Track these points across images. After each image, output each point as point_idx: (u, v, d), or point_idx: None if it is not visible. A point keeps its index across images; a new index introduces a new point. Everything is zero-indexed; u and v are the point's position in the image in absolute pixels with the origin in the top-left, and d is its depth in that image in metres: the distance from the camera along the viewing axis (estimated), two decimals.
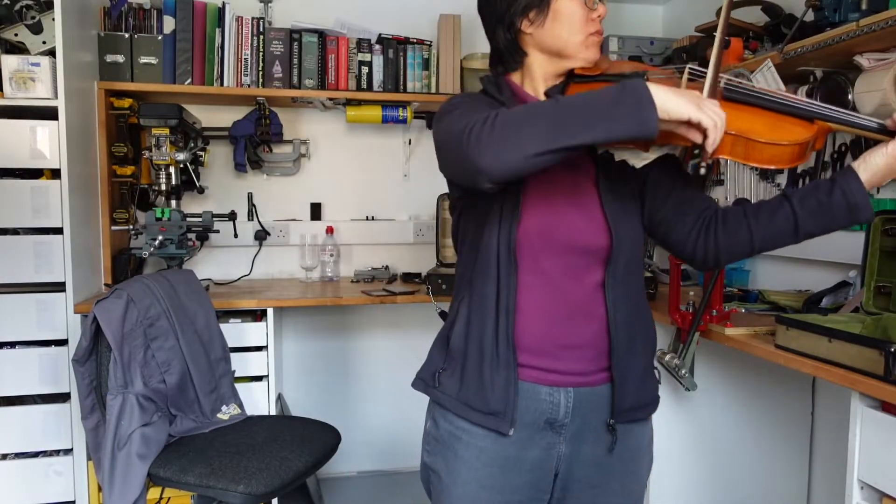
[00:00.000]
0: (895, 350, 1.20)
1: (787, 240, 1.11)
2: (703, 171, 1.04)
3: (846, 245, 1.94)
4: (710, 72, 1.09)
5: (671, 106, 0.94)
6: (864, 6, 1.69)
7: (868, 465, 1.28)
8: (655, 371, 1.27)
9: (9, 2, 2.16)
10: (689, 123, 0.96)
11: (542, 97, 1.19)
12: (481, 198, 1.15)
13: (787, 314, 1.67)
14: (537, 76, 1.20)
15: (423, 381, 1.25)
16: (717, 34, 1.10)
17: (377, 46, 2.72)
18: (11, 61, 2.10)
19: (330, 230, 2.86)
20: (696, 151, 1.11)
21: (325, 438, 1.95)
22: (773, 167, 1.10)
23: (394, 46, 2.73)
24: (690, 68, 1.18)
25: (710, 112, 0.95)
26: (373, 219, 2.98)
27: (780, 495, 2.10)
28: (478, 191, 1.03)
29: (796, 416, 2.09)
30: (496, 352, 1.14)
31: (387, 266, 2.92)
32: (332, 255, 2.83)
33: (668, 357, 1.76)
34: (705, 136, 0.97)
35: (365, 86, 2.72)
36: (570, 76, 1.19)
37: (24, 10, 2.18)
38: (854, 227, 1.92)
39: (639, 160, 1.15)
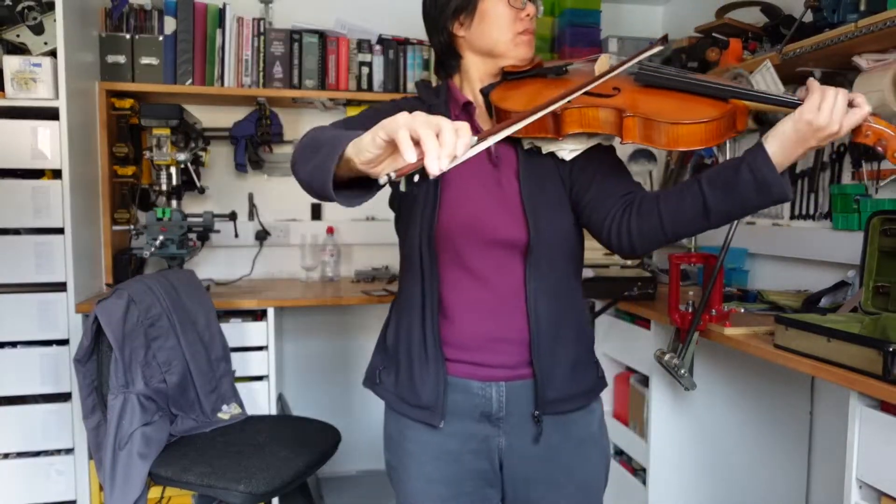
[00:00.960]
0: (894, 350, 1.21)
1: (698, 222, 1.07)
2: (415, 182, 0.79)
3: (845, 245, 1.94)
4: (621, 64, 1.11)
5: (361, 145, 0.83)
6: (862, 7, 1.70)
7: (867, 464, 1.29)
8: (596, 361, 1.29)
9: (10, 3, 2.17)
10: (393, 146, 0.80)
11: (479, 96, 1.24)
12: (403, 197, 1.23)
13: (786, 314, 1.67)
14: (474, 77, 1.25)
15: (369, 379, 1.32)
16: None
17: (377, 47, 2.73)
18: (13, 62, 2.11)
19: (330, 230, 2.86)
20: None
21: (325, 438, 1.96)
22: (687, 148, 1.07)
23: (394, 47, 2.74)
24: (610, 55, 1.22)
25: (418, 127, 0.76)
26: (373, 219, 2.99)
27: (779, 495, 2.10)
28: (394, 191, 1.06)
29: (795, 416, 2.10)
30: (424, 349, 1.19)
31: (387, 266, 2.92)
32: (332, 255, 2.83)
33: (667, 357, 1.77)
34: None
35: (365, 86, 2.72)
36: (504, 74, 1.24)
37: (26, 10, 2.18)
38: (850, 225, 1.93)
39: (566, 152, 1.19)
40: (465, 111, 1.24)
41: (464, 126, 0.77)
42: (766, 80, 1.93)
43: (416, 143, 0.76)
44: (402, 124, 0.77)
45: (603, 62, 1.22)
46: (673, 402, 1.99)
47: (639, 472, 2.14)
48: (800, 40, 1.83)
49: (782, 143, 1.00)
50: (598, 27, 2.77)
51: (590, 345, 1.30)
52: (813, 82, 1.00)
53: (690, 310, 1.73)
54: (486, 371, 1.19)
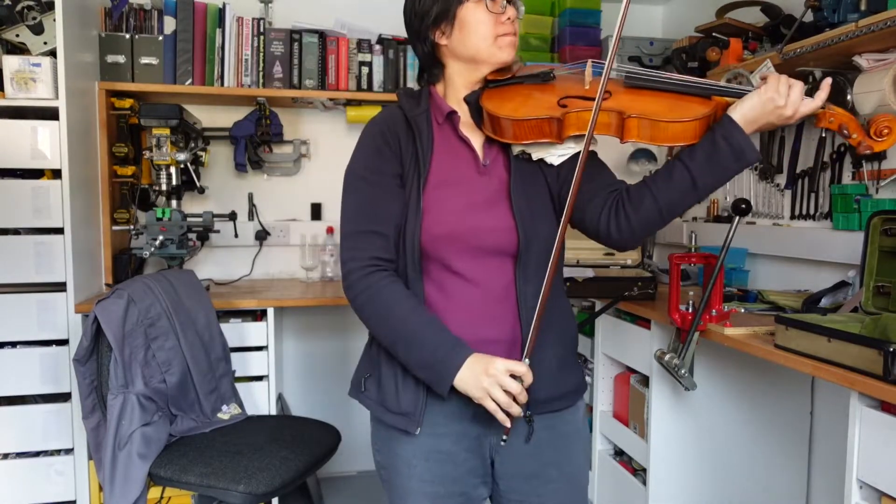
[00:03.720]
0: (894, 350, 1.21)
1: (688, 197, 1.16)
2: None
3: (845, 245, 1.94)
4: (606, 64, 1.14)
5: (463, 387, 1.12)
6: (863, 7, 1.70)
7: (867, 464, 1.29)
8: (580, 360, 1.32)
9: (10, 2, 2.17)
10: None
11: (463, 104, 1.25)
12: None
13: (787, 314, 1.67)
14: (458, 85, 1.25)
15: (355, 387, 1.32)
16: (615, 32, 1.13)
17: (377, 47, 2.73)
18: (13, 62, 2.11)
19: (330, 230, 2.86)
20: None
21: (325, 438, 1.96)
22: (680, 144, 1.16)
23: (394, 47, 2.74)
24: (593, 62, 1.24)
25: (497, 395, 1.09)
26: None
27: (779, 495, 2.10)
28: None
29: (795, 416, 2.09)
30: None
31: None
32: (332, 255, 2.83)
33: (667, 357, 1.77)
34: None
35: (365, 86, 2.72)
36: (486, 83, 1.25)
37: (26, 10, 2.18)
38: (848, 223, 1.93)
39: (555, 157, 1.22)
40: (448, 120, 1.24)
41: (519, 368, 1.11)
42: None
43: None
44: (484, 396, 1.11)
45: (588, 68, 1.25)
46: (673, 403, 1.99)
47: (639, 472, 2.14)
48: (800, 40, 1.83)
49: (745, 115, 1.12)
50: (599, 27, 2.77)
51: (575, 345, 1.34)
52: (773, 73, 1.14)
53: (691, 310, 1.73)
54: None
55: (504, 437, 1.14)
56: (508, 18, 1.20)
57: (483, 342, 1.18)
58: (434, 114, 1.25)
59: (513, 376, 1.10)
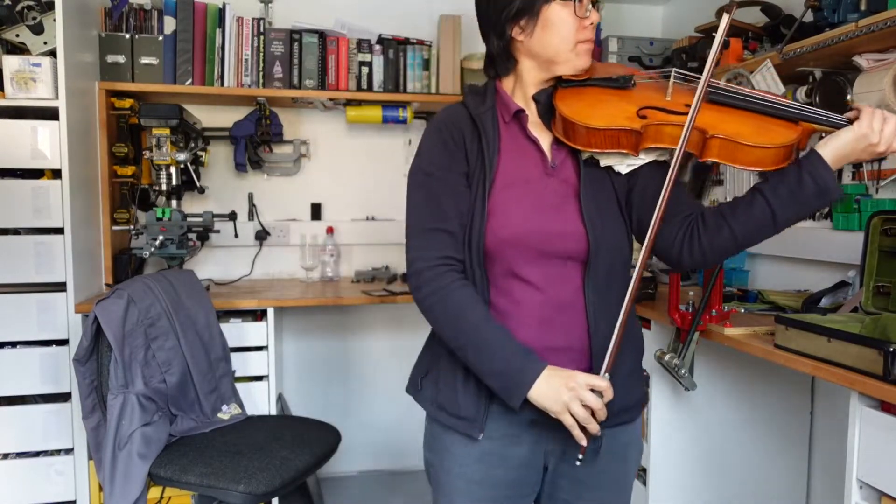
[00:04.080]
0: (894, 350, 1.21)
1: (766, 231, 1.14)
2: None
3: (845, 245, 1.94)
4: (700, 84, 1.10)
5: (540, 400, 1.09)
6: (862, 7, 1.70)
7: (867, 464, 1.29)
8: (644, 372, 1.29)
9: (10, 2, 2.17)
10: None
11: (531, 103, 1.21)
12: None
13: (787, 314, 1.67)
14: (528, 82, 1.21)
15: (413, 384, 1.31)
16: (711, 54, 1.11)
17: (377, 47, 2.73)
18: (13, 62, 2.11)
19: (330, 230, 2.86)
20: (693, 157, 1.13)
21: (325, 438, 1.96)
22: (758, 169, 1.12)
23: (394, 47, 2.74)
24: (676, 72, 1.20)
25: (577, 410, 1.06)
26: (373, 219, 2.98)
27: (779, 495, 2.10)
28: None
29: (795, 416, 2.09)
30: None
31: (387, 266, 2.92)
32: (332, 255, 2.83)
33: (667, 357, 1.77)
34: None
35: (365, 86, 2.72)
36: (559, 81, 1.20)
37: (26, 10, 2.18)
38: (842, 220, 1.93)
39: (624, 166, 1.17)
40: (515, 119, 1.20)
41: (601, 383, 1.07)
42: (766, 80, 1.93)
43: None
44: (562, 411, 1.07)
45: (672, 79, 1.20)
46: (673, 402, 1.99)
47: (639, 472, 2.13)
48: (800, 40, 1.83)
49: (835, 152, 1.08)
50: (599, 27, 2.77)
51: (642, 356, 1.30)
52: (866, 107, 1.09)
53: (691, 310, 1.73)
54: None
55: (580, 458, 1.09)
56: (591, 23, 1.15)
57: (549, 350, 1.15)
58: (500, 111, 1.21)
59: (592, 391, 1.07)
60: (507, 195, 1.15)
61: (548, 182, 1.17)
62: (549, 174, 1.18)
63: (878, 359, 1.23)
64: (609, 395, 1.07)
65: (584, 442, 1.07)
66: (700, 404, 2.01)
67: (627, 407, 1.23)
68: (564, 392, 1.07)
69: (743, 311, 1.88)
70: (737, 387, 2.03)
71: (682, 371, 1.74)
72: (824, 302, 1.86)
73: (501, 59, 1.21)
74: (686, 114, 1.12)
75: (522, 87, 1.21)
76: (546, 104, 1.20)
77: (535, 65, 1.19)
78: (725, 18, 1.12)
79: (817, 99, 1.92)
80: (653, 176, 1.19)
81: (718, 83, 1.18)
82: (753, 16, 2.22)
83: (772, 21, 2.13)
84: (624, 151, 1.14)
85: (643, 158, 1.17)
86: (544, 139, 1.20)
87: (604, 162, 1.18)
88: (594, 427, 1.07)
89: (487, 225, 1.14)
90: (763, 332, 1.63)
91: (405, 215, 1.21)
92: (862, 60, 1.75)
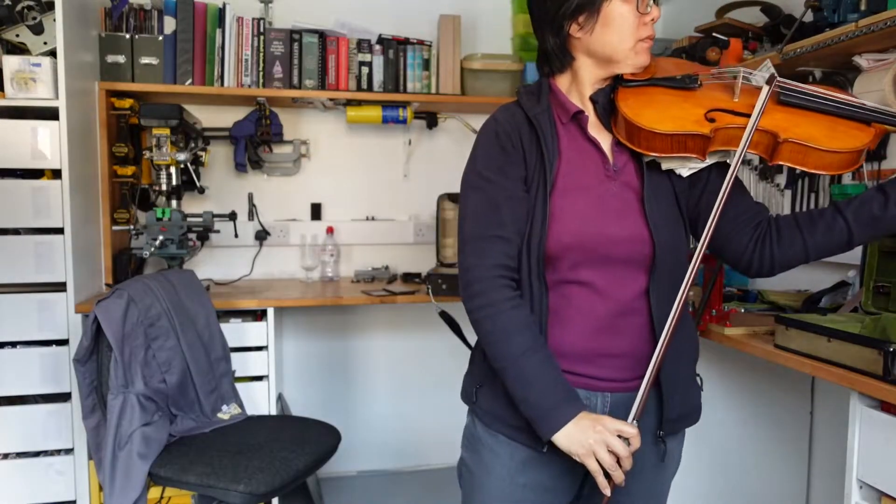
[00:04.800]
0: (894, 350, 1.21)
1: (839, 250, 1.13)
2: None
3: None
4: (759, 102, 1.07)
5: (565, 442, 1.05)
6: (863, 7, 1.69)
7: (867, 464, 1.29)
8: (697, 378, 1.27)
9: (10, 2, 2.16)
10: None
11: (588, 103, 1.17)
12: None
13: (787, 314, 1.67)
14: (585, 81, 1.17)
15: (467, 394, 1.27)
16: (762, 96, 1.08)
17: (377, 47, 2.73)
18: (13, 62, 2.10)
19: (330, 230, 2.86)
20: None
21: (325, 438, 1.96)
22: (833, 173, 1.10)
23: (394, 47, 2.74)
24: (744, 70, 1.16)
25: (603, 455, 1.02)
26: (373, 219, 2.98)
27: (779, 495, 2.10)
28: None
29: (795, 416, 2.09)
30: None
31: (387, 266, 2.92)
32: (332, 255, 2.83)
33: None
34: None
35: (365, 86, 2.72)
36: (619, 80, 1.16)
37: (26, 10, 2.18)
38: None
39: (686, 169, 1.14)
40: (574, 121, 1.16)
41: (629, 430, 1.03)
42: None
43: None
44: (588, 455, 1.03)
45: (740, 78, 1.16)
46: None
47: None
48: (800, 40, 1.82)
49: None
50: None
51: (696, 360, 1.27)
52: None
53: (691, 310, 1.73)
54: (590, 381, 1.15)
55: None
56: (652, 20, 1.12)
57: (606, 355, 1.13)
58: (557, 112, 1.17)
59: (620, 437, 1.03)
60: (569, 199, 1.12)
61: (609, 185, 1.14)
62: (610, 177, 1.14)
63: (878, 359, 1.23)
64: (636, 443, 1.03)
65: (607, 491, 1.03)
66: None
67: (688, 413, 1.22)
68: (591, 434, 1.03)
69: (743, 311, 1.88)
70: (737, 387, 2.03)
71: None
72: (824, 302, 1.86)
73: (557, 57, 1.17)
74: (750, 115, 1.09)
75: (579, 86, 1.17)
76: (604, 105, 1.16)
77: (592, 63, 1.15)
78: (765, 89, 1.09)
79: None
80: (720, 180, 1.15)
81: (788, 83, 1.13)
82: (753, 16, 2.22)
83: (772, 21, 2.13)
84: (690, 156, 1.11)
85: (707, 161, 1.14)
86: (604, 140, 1.16)
87: (665, 165, 1.14)
88: (619, 476, 1.02)
89: (549, 230, 1.10)
90: (763, 332, 1.63)
91: (459, 220, 1.17)
92: (862, 60, 1.74)
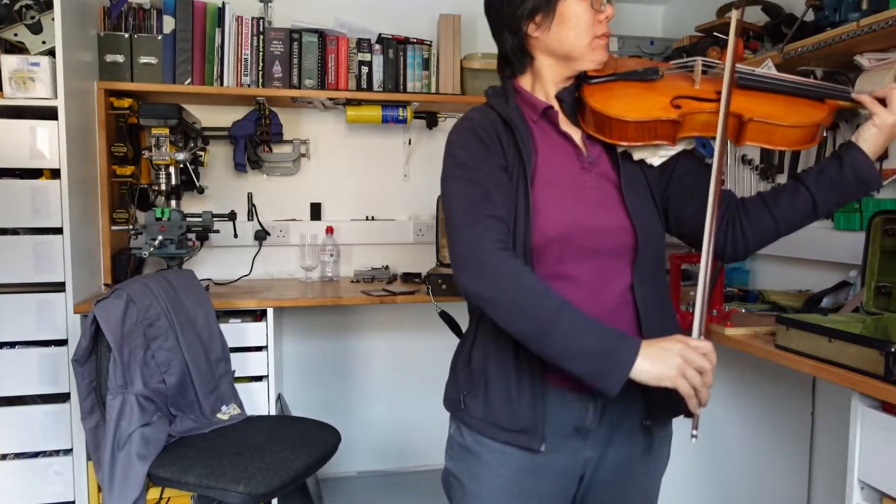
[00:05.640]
0: (895, 350, 1.20)
1: (807, 220, 1.17)
2: None
3: (846, 245, 1.94)
4: (726, 74, 1.12)
5: (649, 370, 0.97)
6: (864, 6, 1.69)
7: (868, 465, 1.28)
8: None
9: (8, 1, 2.16)
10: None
11: (554, 101, 1.19)
12: None
13: (788, 314, 1.67)
14: (547, 80, 1.19)
15: (452, 402, 1.24)
16: (730, 40, 1.14)
17: (377, 46, 2.72)
18: (11, 61, 2.10)
19: (330, 230, 2.86)
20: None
21: (325, 438, 1.95)
22: (793, 149, 1.16)
23: (394, 46, 2.73)
24: (704, 61, 1.20)
25: (691, 375, 0.96)
26: (373, 219, 2.98)
27: (780, 495, 2.10)
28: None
29: (796, 416, 2.09)
30: (519, 366, 1.12)
31: (387, 266, 2.91)
32: (332, 255, 2.83)
33: None
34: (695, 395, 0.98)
35: (365, 86, 2.72)
36: (584, 77, 1.18)
37: (24, 9, 2.17)
38: (856, 224, 1.93)
39: (657, 158, 1.17)
40: (544, 117, 1.18)
41: (705, 345, 0.99)
42: None
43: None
44: (678, 376, 0.97)
45: (698, 67, 1.20)
46: None
47: None
48: (801, 39, 1.82)
49: (872, 144, 1.13)
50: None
51: None
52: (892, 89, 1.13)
53: (691, 310, 1.72)
54: (582, 384, 1.10)
55: (694, 433, 1.00)
56: (606, 17, 1.15)
57: None
58: (526, 111, 1.18)
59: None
60: (550, 192, 1.12)
61: (587, 177, 1.15)
62: (586, 169, 1.16)
63: (879, 359, 1.23)
64: (713, 358, 0.98)
65: (698, 411, 0.99)
66: None
67: (671, 400, 1.16)
68: (674, 352, 0.97)
69: (744, 311, 1.88)
70: (737, 387, 2.02)
71: None
72: (825, 302, 1.86)
73: (517, 58, 1.19)
74: (718, 100, 1.13)
75: (543, 85, 1.19)
76: (571, 103, 1.19)
77: (553, 62, 1.17)
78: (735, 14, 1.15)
79: None
80: (687, 168, 1.20)
81: (744, 68, 1.20)
82: (754, 15, 2.22)
83: (773, 20, 2.13)
84: (660, 143, 1.14)
85: (675, 148, 1.17)
86: (575, 134, 1.18)
87: (637, 155, 1.17)
88: (705, 395, 0.97)
89: (534, 223, 1.09)
90: (764, 333, 1.62)
91: (445, 214, 1.13)
92: (863, 60, 1.74)
